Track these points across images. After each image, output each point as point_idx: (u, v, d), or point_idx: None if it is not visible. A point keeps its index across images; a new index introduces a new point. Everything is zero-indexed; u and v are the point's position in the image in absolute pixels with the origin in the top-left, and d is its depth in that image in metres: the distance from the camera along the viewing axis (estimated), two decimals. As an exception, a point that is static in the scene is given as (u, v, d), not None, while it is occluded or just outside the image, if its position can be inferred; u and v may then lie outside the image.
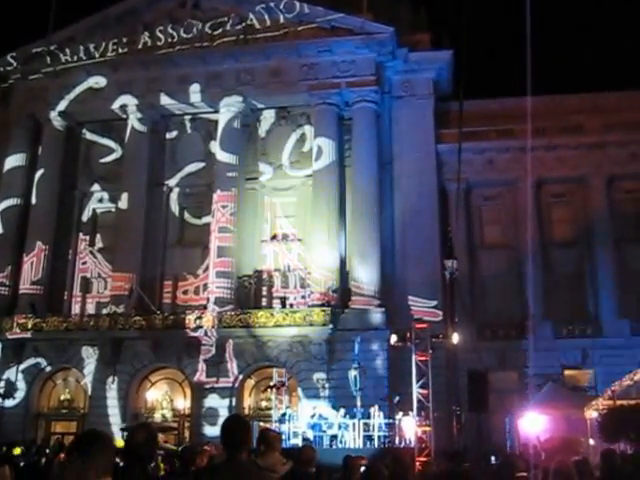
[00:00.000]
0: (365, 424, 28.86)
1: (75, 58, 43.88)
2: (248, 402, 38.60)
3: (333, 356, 36.15)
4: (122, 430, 36.10)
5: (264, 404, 37.62)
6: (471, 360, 33.25)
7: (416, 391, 27.01)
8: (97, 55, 43.73)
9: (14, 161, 43.96)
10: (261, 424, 33.22)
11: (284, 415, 30.04)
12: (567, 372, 38.03)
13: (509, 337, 38.14)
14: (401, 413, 28.70)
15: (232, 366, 37.62)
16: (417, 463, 23.46)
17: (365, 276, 37.66)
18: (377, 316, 36.70)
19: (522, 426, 28.04)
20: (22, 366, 39.67)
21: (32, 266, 41.43)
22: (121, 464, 5.80)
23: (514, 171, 40.89)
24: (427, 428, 26.74)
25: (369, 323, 36.35)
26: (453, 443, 29.05)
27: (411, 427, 27.33)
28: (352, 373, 31.49)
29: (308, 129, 41.99)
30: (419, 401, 27.13)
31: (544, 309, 38.68)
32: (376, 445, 28.06)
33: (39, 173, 43.25)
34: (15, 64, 44.64)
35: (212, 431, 34.81)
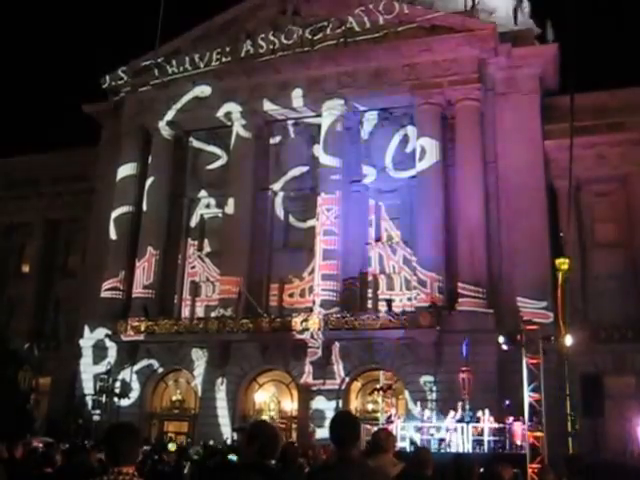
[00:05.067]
0: (474, 428, 28.26)
1: (181, 69, 45.28)
2: (355, 404, 38.57)
3: (440, 359, 35.61)
4: (234, 430, 36.83)
5: (371, 407, 37.46)
6: (585, 363, 32.09)
7: (527, 395, 26.18)
8: (202, 65, 44.95)
9: (126, 170, 45.76)
10: (368, 427, 33.16)
11: (390, 417, 29.80)
12: (690, 376, 36.06)
13: (625, 339, 36.51)
14: (511, 418, 27.89)
15: (338, 368, 37.74)
16: (530, 470, 22.77)
17: (472, 277, 36.95)
18: (485, 318, 35.92)
19: (642, 433, 26.83)
20: (136, 367, 41.25)
21: (144, 271, 42.98)
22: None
23: (627, 166, 39.31)
24: (539, 434, 25.88)
25: (477, 325, 35.49)
26: (567, 450, 28.05)
27: (522, 432, 26.57)
28: (460, 376, 30.91)
29: (411, 130, 41.62)
30: (530, 405, 26.33)
31: (664, 309, 36.86)
32: (486, 450, 27.43)
33: (149, 181, 44.88)
34: (125, 78, 46.58)
35: (319, 433, 35.03)
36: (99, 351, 41.81)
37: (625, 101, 39.55)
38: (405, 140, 41.98)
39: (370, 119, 43.12)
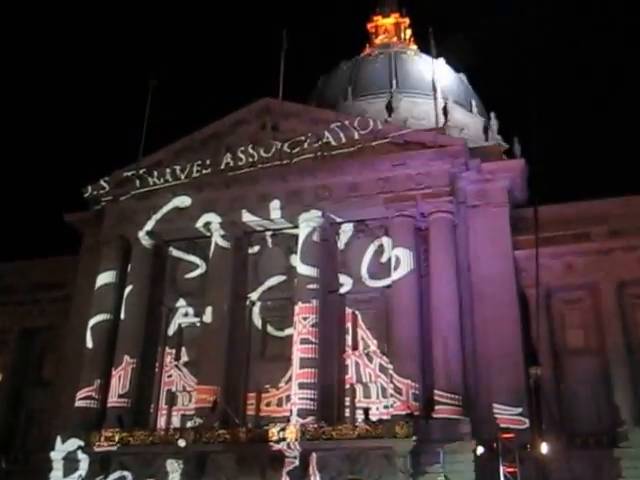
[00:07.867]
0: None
1: (162, 180, 46.69)
2: (334, 517, 37.75)
3: (418, 468, 35.25)
4: None
5: (349, 519, 36.78)
6: (561, 470, 32.12)
7: (506, 504, 26.27)
8: (183, 176, 46.45)
9: (105, 278, 46.18)
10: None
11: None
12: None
13: (600, 445, 36.55)
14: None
15: (316, 479, 37.15)
16: None
17: (448, 384, 37.24)
18: (462, 426, 35.88)
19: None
20: (109, 480, 40.19)
21: (120, 380, 42.67)
22: None
23: (594, 274, 40.70)
24: None
25: (454, 433, 35.51)
26: None
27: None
28: (439, 486, 30.83)
29: (386, 240, 42.84)
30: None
31: (636, 415, 37.23)
32: None
33: (128, 289, 45.27)
34: (107, 188, 47.78)
35: None
36: (70, 463, 40.69)
37: (589, 213, 41.42)
38: (380, 250, 43.11)
39: (346, 230, 44.36)
